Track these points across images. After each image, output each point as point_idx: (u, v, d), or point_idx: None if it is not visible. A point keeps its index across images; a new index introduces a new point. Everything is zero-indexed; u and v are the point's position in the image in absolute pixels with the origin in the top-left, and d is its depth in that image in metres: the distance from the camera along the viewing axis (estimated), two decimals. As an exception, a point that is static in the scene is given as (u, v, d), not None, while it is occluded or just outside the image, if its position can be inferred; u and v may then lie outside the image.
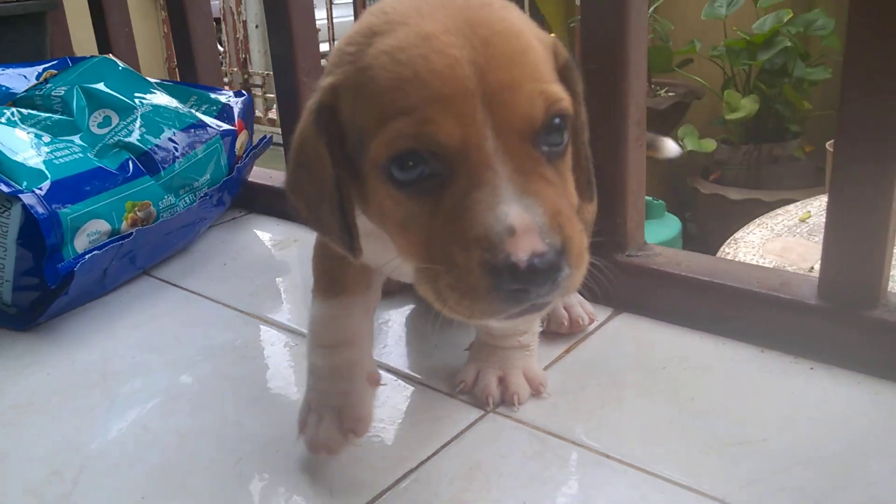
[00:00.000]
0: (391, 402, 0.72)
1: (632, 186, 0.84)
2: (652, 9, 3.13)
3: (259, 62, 5.20)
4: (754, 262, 1.51)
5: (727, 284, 0.79)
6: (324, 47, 4.81)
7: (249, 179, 1.26)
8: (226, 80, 6.30)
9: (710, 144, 3.11)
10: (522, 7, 4.38)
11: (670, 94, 3.26)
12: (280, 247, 1.13)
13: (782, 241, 1.59)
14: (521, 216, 0.44)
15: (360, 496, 0.60)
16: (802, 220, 1.69)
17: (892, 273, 0.74)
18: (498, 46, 0.46)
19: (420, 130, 0.45)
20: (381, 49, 0.46)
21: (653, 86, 3.33)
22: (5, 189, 0.84)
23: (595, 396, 0.71)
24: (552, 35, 0.53)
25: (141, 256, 1.01)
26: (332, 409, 0.62)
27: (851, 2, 0.68)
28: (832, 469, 0.59)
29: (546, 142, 0.48)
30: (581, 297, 0.82)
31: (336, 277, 0.64)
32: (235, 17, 4.84)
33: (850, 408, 0.67)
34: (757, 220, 1.72)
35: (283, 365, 0.81)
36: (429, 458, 0.64)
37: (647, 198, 2.20)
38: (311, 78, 1.15)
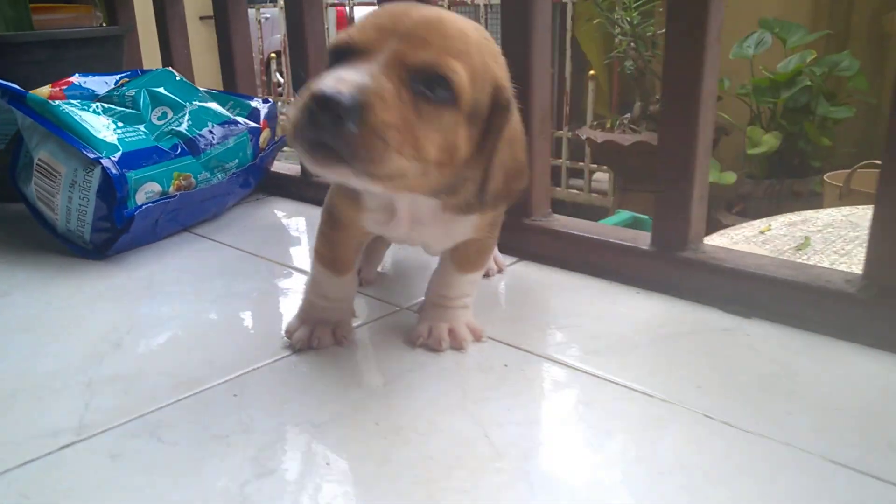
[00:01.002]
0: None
1: (537, 168, 1.24)
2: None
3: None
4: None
5: (594, 238, 1.18)
6: None
7: (272, 170, 1.71)
8: (283, 109, 6.85)
9: (730, 177, 3.45)
10: (564, 46, 4.80)
11: (697, 129, 3.62)
12: (288, 217, 1.57)
13: (735, 247, 1.95)
14: (347, 75, 0.66)
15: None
16: (762, 232, 2.04)
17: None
18: (429, 29, 0.71)
19: (351, 35, 0.73)
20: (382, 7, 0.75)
21: (680, 120, 3.69)
22: (91, 155, 1.29)
23: (502, 310, 1.10)
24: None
25: (182, 215, 1.45)
26: (326, 325, 0.99)
27: None
28: (606, 344, 0.97)
29: (420, 86, 0.70)
30: (496, 252, 1.21)
31: (340, 257, 0.97)
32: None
33: (653, 310, 1.05)
34: (721, 231, 2.08)
35: (266, 282, 1.23)
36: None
37: (643, 216, 2.57)
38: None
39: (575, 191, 4.77)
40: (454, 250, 0.98)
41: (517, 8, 1.19)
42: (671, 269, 1.09)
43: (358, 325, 1.04)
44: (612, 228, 1.22)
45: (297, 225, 1.53)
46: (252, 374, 0.93)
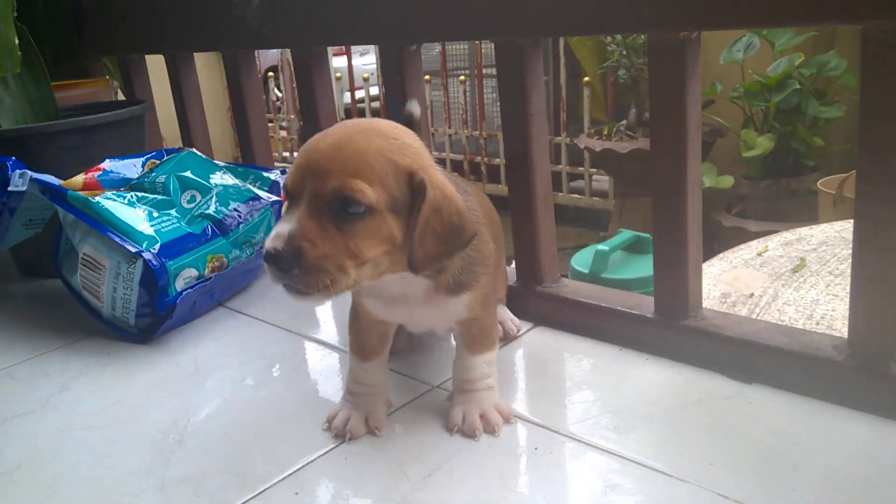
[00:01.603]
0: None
1: (543, 240, 1.34)
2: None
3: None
4: (707, 290, 1.97)
5: (602, 305, 1.29)
6: (374, 91, 5.38)
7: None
8: (283, 124, 6.96)
9: (727, 181, 3.55)
10: (558, 53, 4.87)
11: (692, 134, 3.71)
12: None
13: (735, 272, 2.06)
14: (281, 230, 0.83)
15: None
16: (759, 254, 2.15)
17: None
18: (334, 153, 0.85)
19: (287, 178, 0.89)
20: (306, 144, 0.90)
21: (674, 127, 3.79)
22: (133, 249, 1.39)
23: (523, 383, 1.20)
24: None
25: (217, 292, 1.55)
26: (360, 414, 1.08)
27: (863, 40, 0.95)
28: (624, 419, 1.08)
29: (338, 209, 0.84)
30: (511, 315, 1.32)
31: (365, 343, 1.09)
32: (290, 66, 5.50)
33: (662, 379, 1.15)
34: (720, 255, 2.18)
35: (306, 362, 1.34)
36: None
37: (645, 235, 2.67)
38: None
39: (576, 195, 4.86)
40: (462, 335, 1.09)
41: (514, 93, 1.29)
42: (675, 336, 1.20)
43: (392, 412, 1.15)
44: (618, 294, 1.32)
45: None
46: (308, 469, 1.03)
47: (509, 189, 1.35)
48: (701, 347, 1.17)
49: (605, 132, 4.32)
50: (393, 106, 1.51)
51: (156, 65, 2.16)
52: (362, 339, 1.10)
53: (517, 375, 1.21)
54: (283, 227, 0.84)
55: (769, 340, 1.11)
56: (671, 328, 1.20)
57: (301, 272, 0.83)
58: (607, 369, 1.20)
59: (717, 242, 3.70)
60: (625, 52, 4.04)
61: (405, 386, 1.21)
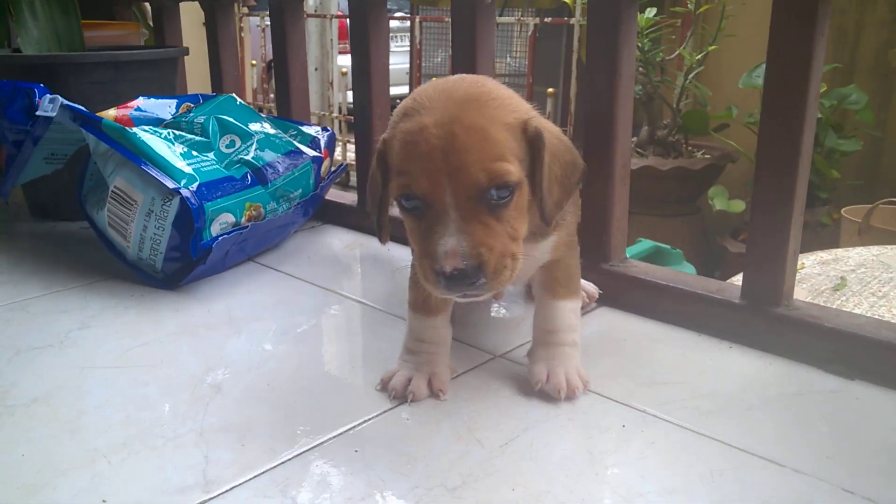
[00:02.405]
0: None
1: (616, 213, 1.23)
2: (692, 75, 3.52)
3: (315, 102, 5.71)
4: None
5: (679, 287, 1.17)
6: (348, 96, 5.23)
7: (327, 198, 1.69)
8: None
9: (738, 206, 3.46)
10: (570, 65, 4.79)
11: (706, 156, 3.63)
12: (349, 248, 1.55)
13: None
14: (452, 246, 0.76)
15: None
16: (797, 270, 2.05)
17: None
18: (461, 139, 0.77)
19: (410, 183, 0.79)
20: (402, 129, 0.81)
21: (689, 147, 3.71)
22: (171, 185, 1.26)
23: (599, 362, 1.07)
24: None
25: (250, 245, 1.42)
26: (423, 375, 0.97)
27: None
28: (718, 404, 0.96)
29: (488, 199, 0.78)
30: (585, 283, 1.20)
31: (428, 298, 0.98)
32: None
33: (752, 368, 1.04)
34: (754, 267, 2.08)
35: (348, 320, 1.22)
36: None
37: (665, 246, 2.57)
38: (382, 121, 1.57)
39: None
40: (544, 281, 1.00)
41: (605, 46, 1.18)
42: (765, 325, 1.08)
43: (455, 376, 1.02)
44: (694, 278, 1.21)
45: (359, 256, 1.51)
46: (367, 428, 0.91)
47: (585, 154, 1.24)
48: (794, 338, 1.06)
49: (615, 148, 4.23)
50: (461, 68, 1.40)
51: (186, 19, 2.03)
52: (426, 293, 0.97)
53: (589, 353, 1.09)
54: (449, 242, 0.77)
55: (875, 334, 1.00)
56: (761, 316, 1.09)
57: (487, 279, 0.78)
58: (688, 354, 1.09)
59: (719, 269, 3.62)
60: (642, 69, 3.96)
61: (466, 354, 1.09)
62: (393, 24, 6.05)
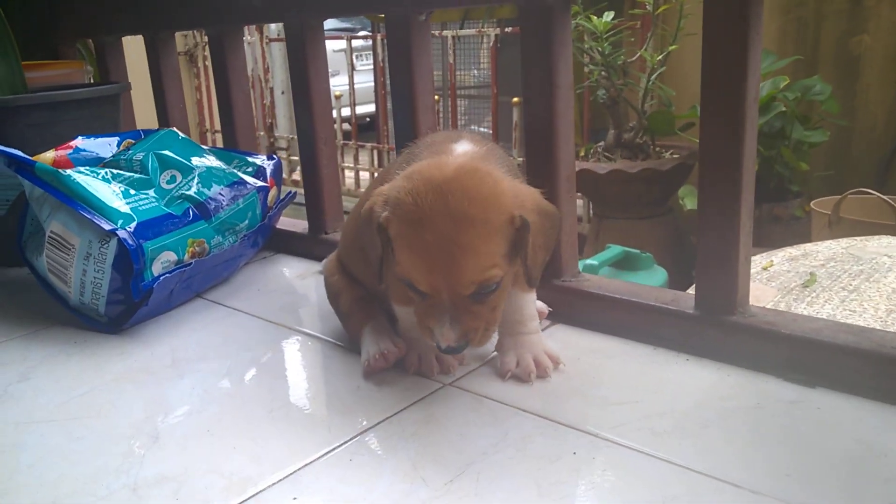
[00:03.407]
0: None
1: (565, 229, 1.19)
2: (655, 76, 3.50)
3: (284, 126, 5.67)
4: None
5: (631, 300, 1.14)
6: (346, 111, 5.17)
7: (277, 227, 1.64)
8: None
9: (710, 204, 3.44)
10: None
11: (674, 156, 3.61)
12: (301, 277, 1.50)
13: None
14: (447, 332, 0.90)
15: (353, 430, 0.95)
16: (765, 269, 2.02)
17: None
18: (458, 260, 0.87)
19: (413, 281, 0.90)
20: (405, 234, 0.90)
21: (657, 148, 3.69)
22: (106, 227, 1.22)
23: (552, 382, 1.03)
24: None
25: (196, 282, 1.38)
26: (431, 353, 1.07)
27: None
28: (674, 422, 0.93)
29: (478, 295, 0.90)
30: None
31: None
32: (263, 84, 5.32)
33: (708, 381, 1.00)
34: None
35: (298, 355, 1.17)
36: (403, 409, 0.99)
37: (634, 250, 2.54)
38: (328, 146, 1.53)
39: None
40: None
41: (539, 61, 1.15)
42: (720, 334, 1.05)
43: (399, 410, 0.98)
44: (648, 289, 1.17)
45: (312, 285, 1.46)
46: (307, 471, 0.86)
47: (528, 169, 1.21)
48: (751, 347, 1.02)
49: (582, 153, 4.21)
50: (398, 85, 1.36)
51: (132, 53, 1.99)
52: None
53: (541, 374, 1.05)
54: (444, 327, 0.90)
55: (834, 339, 0.96)
56: (716, 325, 1.05)
57: (474, 345, 0.93)
58: (643, 370, 1.05)
59: (694, 269, 3.59)
60: (604, 73, 3.93)
61: (413, 384, 1.05)
62: (357, 43, 6.02)
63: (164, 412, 1.01)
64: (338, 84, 6.95)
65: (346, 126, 5.58)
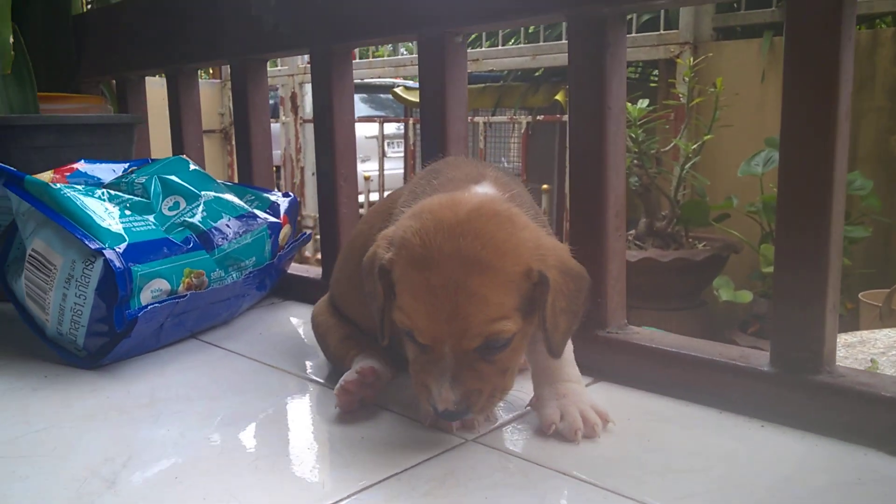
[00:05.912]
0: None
1: (612, 271, 1.01)
2: (689, 165, 3.36)
3: (312, 206, 5.57)
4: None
5: (692, 355, 0.94)
6: (374, 196, 5.03)
7: (289, 272, 1.47)
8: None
9: (745, 296, 3.23)
10: (564, 161, 4.66)
11: (707, 247, 3.44)
12: (308, 324, 1.31)
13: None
14: (445, 392, 0.77)
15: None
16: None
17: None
18: (463, 307, 0.76)
19: (414, 329, 0.78)
20: (409, 277, 0.78)
21: (690, 239, 3.52)
22: (92, 246, 1.05)
23: (600, 444, 0.84)
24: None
25: (191, 319, 1.20)
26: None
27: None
28: (755, 498, 0.72)
29: (485, 350, 0.78)
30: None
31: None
32: (294, 164, 5.25)
33: (793, 451, 0.80)
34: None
35: (292, 402, 0.99)
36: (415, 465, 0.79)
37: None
38: (348, 183, 1.37)
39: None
40: None
41: (590, 79, 0.99)
42: (804, 398, 0.85)
43: (410, 466, 0.79)
44: (709, 344, 0.98)
45: (322, 334, 1.28)
46: (290, 532, 0.67)
47: (571, 201, 1.03)
48: (844, 412, 0.82)
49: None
50: (430, 113, 1.21)
51: (158, 97, 1.87)
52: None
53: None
54: (443, 387, 0.78)
55: (949, 404, 0.76)
56: (798, 387, 0.85)
57: (475, 414, 0.80)
58: (709, 435, 0.85)
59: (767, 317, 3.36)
60: (637, 161, 3.80)
61: (428, 438, 0.86)
62: (389, 129, 5.97)
63: (128, 455, 0.82)
64: (368, 169, 6.90)
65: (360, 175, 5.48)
